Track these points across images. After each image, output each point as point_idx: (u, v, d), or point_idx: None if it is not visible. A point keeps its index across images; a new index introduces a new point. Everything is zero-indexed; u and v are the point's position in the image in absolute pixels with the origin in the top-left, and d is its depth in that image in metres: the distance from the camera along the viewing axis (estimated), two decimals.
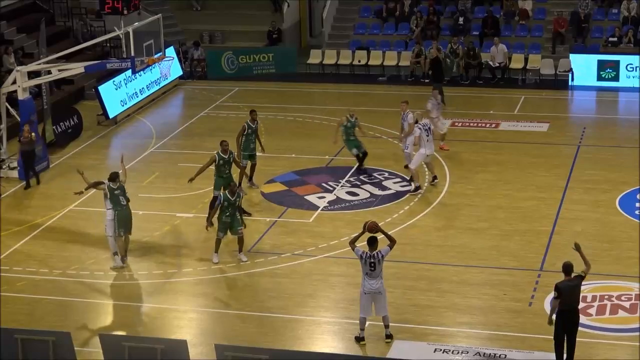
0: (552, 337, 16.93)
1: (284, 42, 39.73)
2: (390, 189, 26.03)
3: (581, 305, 19.41)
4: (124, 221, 21.79)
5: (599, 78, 35.55)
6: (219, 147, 23.83)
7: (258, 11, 40.67)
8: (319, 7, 41.15)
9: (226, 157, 23.71)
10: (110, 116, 32.60)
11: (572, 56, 36.11)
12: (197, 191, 25.63)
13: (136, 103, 34.05)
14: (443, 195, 25.51)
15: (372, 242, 18.06)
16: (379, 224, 18.55)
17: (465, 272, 21.39)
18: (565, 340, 16.97)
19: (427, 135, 25.34)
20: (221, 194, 22.32)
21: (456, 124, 31.30)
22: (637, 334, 18.51)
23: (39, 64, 28.51)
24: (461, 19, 38.45)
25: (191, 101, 35.46)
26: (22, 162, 27.09)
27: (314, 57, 38.69)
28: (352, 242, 18.20)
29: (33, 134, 27.04)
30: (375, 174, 26.94)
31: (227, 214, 21.75)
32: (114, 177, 21.87)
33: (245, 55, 38.38)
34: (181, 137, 31.06)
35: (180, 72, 37.34)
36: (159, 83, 35.62)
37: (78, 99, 34.82)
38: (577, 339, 16.95)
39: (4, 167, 27.85)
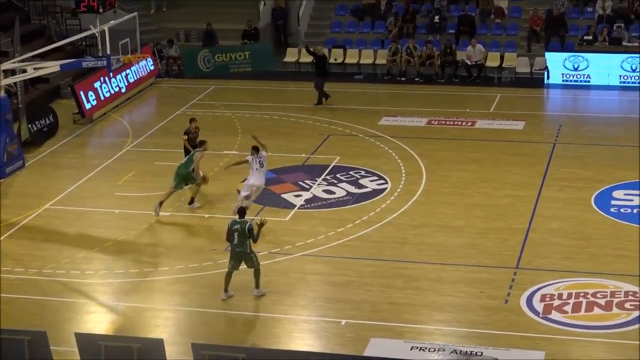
0: (528, 335, 16.90)
1: (260, 40, 39.66)
2: (366, 187, 26.02)
3: (557, 302, 19.56)
4: None
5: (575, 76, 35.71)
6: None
7: (234, 9, 40.55)
8: (296, 6, 41.03)
9: None
10: (86, 115, 32.48)
11: (547, 54, 36.23)
12: None
13: (112, 101, 33.92)
14: (419, 193, 25.54)
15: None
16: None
17: (441, 270, 21.42)
18: None
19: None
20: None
21: (432, 122, 31.35)
22: (612, 331, 18.58)
23: (15, 62, 28.34)
24: (437, 17, 38.52)
25: (167, 99, 35.34)
26: None
27: (290, 56, 38.65)
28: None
29: None
30: (351, 172, 26.96)
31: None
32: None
33: (221, 54, 38.27)
34: (157, 135, 30.95)
35: (156, 71, 37.23)
36: (134, 81, 35.51)
37: (54, 97, 34.68)
38: (552, 337, 16.94)
39: None
